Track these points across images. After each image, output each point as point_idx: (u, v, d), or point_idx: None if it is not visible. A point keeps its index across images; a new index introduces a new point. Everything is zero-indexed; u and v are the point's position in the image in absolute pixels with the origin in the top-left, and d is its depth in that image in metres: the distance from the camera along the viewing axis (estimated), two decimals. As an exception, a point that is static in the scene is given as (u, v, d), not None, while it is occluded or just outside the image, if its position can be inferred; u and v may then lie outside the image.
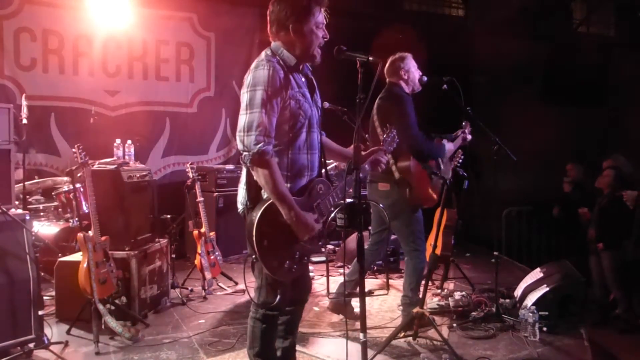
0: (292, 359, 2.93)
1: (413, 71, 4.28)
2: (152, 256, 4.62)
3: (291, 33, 2.51)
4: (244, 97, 2.45)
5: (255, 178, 2.46)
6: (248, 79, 2.47)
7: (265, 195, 2.49)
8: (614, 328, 4.77)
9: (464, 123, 4.56)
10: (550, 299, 4.37)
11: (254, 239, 2.41)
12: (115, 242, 4.22)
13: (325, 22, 2.60)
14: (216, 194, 6.53)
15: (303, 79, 2.62)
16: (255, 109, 2.38)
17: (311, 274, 5.87)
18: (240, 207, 2.61)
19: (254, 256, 2.46)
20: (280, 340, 2.86)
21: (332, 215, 5.55)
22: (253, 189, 2.52)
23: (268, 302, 2.63)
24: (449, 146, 4.41)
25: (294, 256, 2.55)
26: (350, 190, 2.62)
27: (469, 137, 4.53)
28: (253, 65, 2.50)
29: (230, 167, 6.91)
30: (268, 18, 2.58)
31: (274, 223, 2.45)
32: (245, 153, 2.41)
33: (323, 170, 2.78)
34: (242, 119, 2.43)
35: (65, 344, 3.84)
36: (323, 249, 6.28)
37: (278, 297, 2.61)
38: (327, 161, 3.27)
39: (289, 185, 2.51)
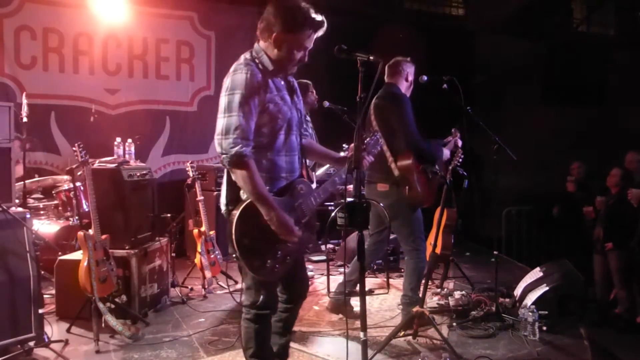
0: (287, 354, 3.00)
1: (411, 77, 4.32)
2: (152, 255, 4.62)
3: (271, 39, 2.52)
4: (222, 100, 2.47)
5: (234, 179, 2.50)
6: (226, 82, 2.49)
7: (244, 196, 2.52)
8: (613, 327, 4.77)
9: (453, 130, 4.59)
10: (550, 298, 4.38)
11: (233, 237, 2.45)
12: (116, 240, 4.22)
13: (310, 46, 2.59)
14: (216, 192, 6.53)
15: (282, 83, 2.64)
16: (233, 112, 2.41)
17: (311, 273, 5.90)
18: (222, 208, 2.64)
19: (234, 255, 2.48)
20: (277, 337, 2.89)
21: (332, 214, 5.56)
22: (233, 190, 2.56)
23: (256, 302, 2.65)
24: (446, 152, 4.44)
25: (276, 255, 2.56)
26: (350, 188, 2.63)
27: (460, 142, 4.56)
28: (232, 69, 2.52)
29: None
30: (261, 17, 2.59)
31: (253, 223, 2.48)
32: (223, 155, 2.43)
33: (304, 172, 2.81)
34: (220, 122, 2.45)
35: (65, 342, 3.83)
36: (323, 248, 6.30)
37: (262, 297, 2.63)
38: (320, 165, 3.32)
39: (268, 187, 2.53)
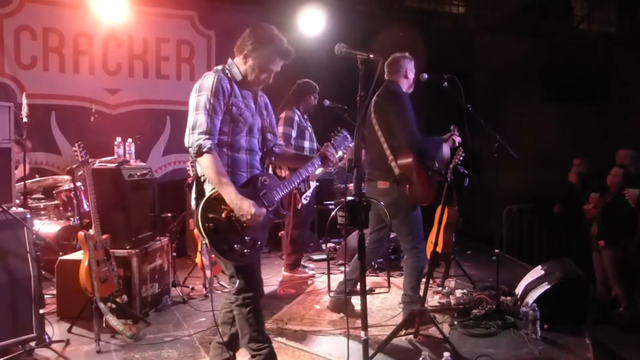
0: (238, 344, 3.04)
1: (412, 74, 4.31)
2: (153, 254, 4.62)
3: (242, 57, 2.86)
4: (192, 101, 2.76)
5: (202, 175, 2.78)
6: (196, 85, 2.79)
7: (208, 189, 2.76)
8: (615, 325, 4.77)
9: (452, 127, 4.58)
10: (552, 296, 4.36)
11: (199, 223, 2.65)
12: (116, 240, 4.22)
13: (277, 70, 2.90)
14: (217, 192, 6.52)
15: (250, 93, 2.94)
16: (200, 111, 2.71)
17: (312, 272, 5.90)
18: (192, 203, 2.83)
19: (204, 242, 2.68)
20: (227, 327, 3.03)
21: (333, 213, 5.56)
22: (199, 184, 2.81)
23: (241, 288, 2.82)
24: (446, 150, 4.42)
25: (243, 240, 2.73)
26: (351, 187, 2.70)
27: (458, 139, 4.54)
28: (203, 75, 2.82)
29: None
30: (241, 37, 2.89)
31: (218, 208, 2.69)
32: (190, 148, 2.71)
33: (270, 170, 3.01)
34: (189, 120, 2.74)
35: (66, 342, 3.84)
36: (324, 246, 6.29)
37: (243, 281, 2.80)
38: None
39: (226, 174, 2.74)
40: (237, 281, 2.83)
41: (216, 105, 2.71)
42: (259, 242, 2.81)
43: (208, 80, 2.75)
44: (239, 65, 2.89)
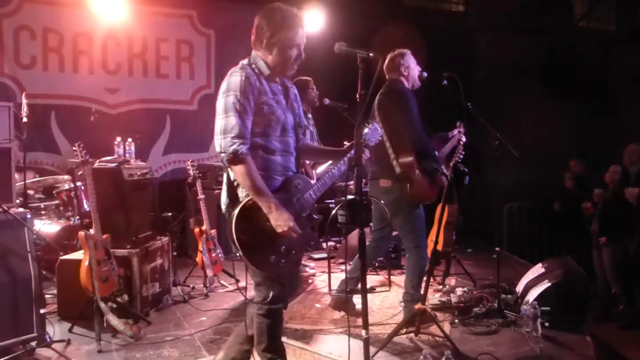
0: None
1: (413, 67, 4.28)
2: (154, 254, 4.62)
3: (264, 46, 2.66)
4: (220, 102, 2.59)
5: (233, 177, 2.60)
6: (223, 85, 2.61)
7: (242, 194, 2.61)
8: (616, 323, 4.77)
9: (458, 123, 4.56)
10: (552, 294, 4.37)
11: (234, 236, 2.52)
12: (117, 240, 4.22)
13: (304, 42, 2.71)
14: (217, 191, 6.52)
15: (279, 87, 2.76)
16: (230, 113, 2.53)
17: (312, 270, 5.90)
18: (223, 207, 2.72)
19: (238, 254, 2.55)
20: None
21: (333, 212, 5.55)
22: (232, 189, 2.66)
23: (267, 298, 2.69)
24: (444, 149, 4.42)
25: (279, 250, 2.61)
26: (351, 185, 2.66)
27: (464, 138, 4.53)
28: (229, 72, 2.64)
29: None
30: (253, 28, 2.71)
31: (252, 220, 2.55)
32: (222, 154, 2.54)
33: (304, 171, 2.91)
34: (218, 123, 2.57)
35: (67, 342, 3.84)
36: (325, 245, 6.30)
37: (272, 292, 2.67)
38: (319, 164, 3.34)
39: (263, 181, 2.59)
40: (264, 290, 2.69)
41: (246, 106, 2.54)
42: (294, 251, 2.69)
43: (235, 78, 2.57)
44: (263, 57, 2.69)
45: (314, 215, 2.81)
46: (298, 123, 2.84)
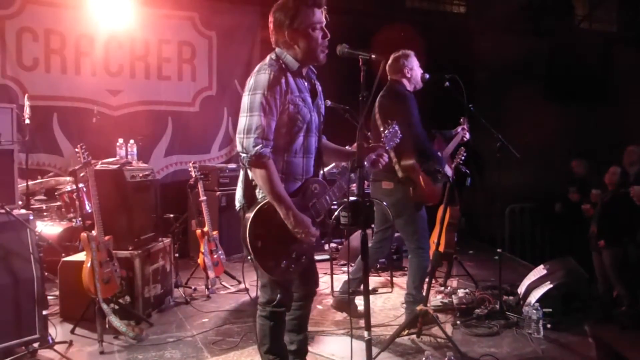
0: (306, 350, 3.00)
1: (416, 69, 4.27)
2: (156, 255, 4.62)
3: (287, 38, 2.57)
4: (245, 99, 2.52)
5: (253, 179, 2.55)
6: (250, 82, 2.54)
7: (259, 196, 2.58)
8: (618, 324, 4.76)
9: (461, 119, 4.55)
10: (554, 295, 4.37)
11: (247, 239, 2.48)
12: (119, 241, 4.23)
13: (324, 22, 2.61)
14: (219, 192, 6.53)
15: (306, 84, 2.67)
16: (255, 112, 2.46)
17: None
18: (237, 204, 2.68)
19: (249, 257, 2.52)
20: (294, 334, 2.92)
21: (336, 213, 5.56)
22: (249, 189, 2.61)
23: (272, 300, 2.67)
24: (449, 147, 4.41)
25: (290, 255, 2.59)
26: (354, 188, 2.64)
27: (468, 135, 4.52)
28: (256, 69, 2.57)
29: (232, 165, 6.91)
30: (270, 28, 2.63)
31: (268, 223, 2.52)
32: (243, 155, 2.49)
33: (321, 172, 2.81)
34: (242, 121, 2.51)
35: (69, 343, 3.84)
36: (326, 247, 6.30)
37: (278, 295, 2.65)
38: (327, 164, 3.30)
39: (283, 186, 2.55)
40: (268, 292, 2.68)
41: (272, 106, 2.47)
42: (304, 257, 2.67)
43: (263, 76, 2.49)
44: (289, 52, 2.59)
45: (327, 220, 2.78)
46: (321, 122, 2.77)
